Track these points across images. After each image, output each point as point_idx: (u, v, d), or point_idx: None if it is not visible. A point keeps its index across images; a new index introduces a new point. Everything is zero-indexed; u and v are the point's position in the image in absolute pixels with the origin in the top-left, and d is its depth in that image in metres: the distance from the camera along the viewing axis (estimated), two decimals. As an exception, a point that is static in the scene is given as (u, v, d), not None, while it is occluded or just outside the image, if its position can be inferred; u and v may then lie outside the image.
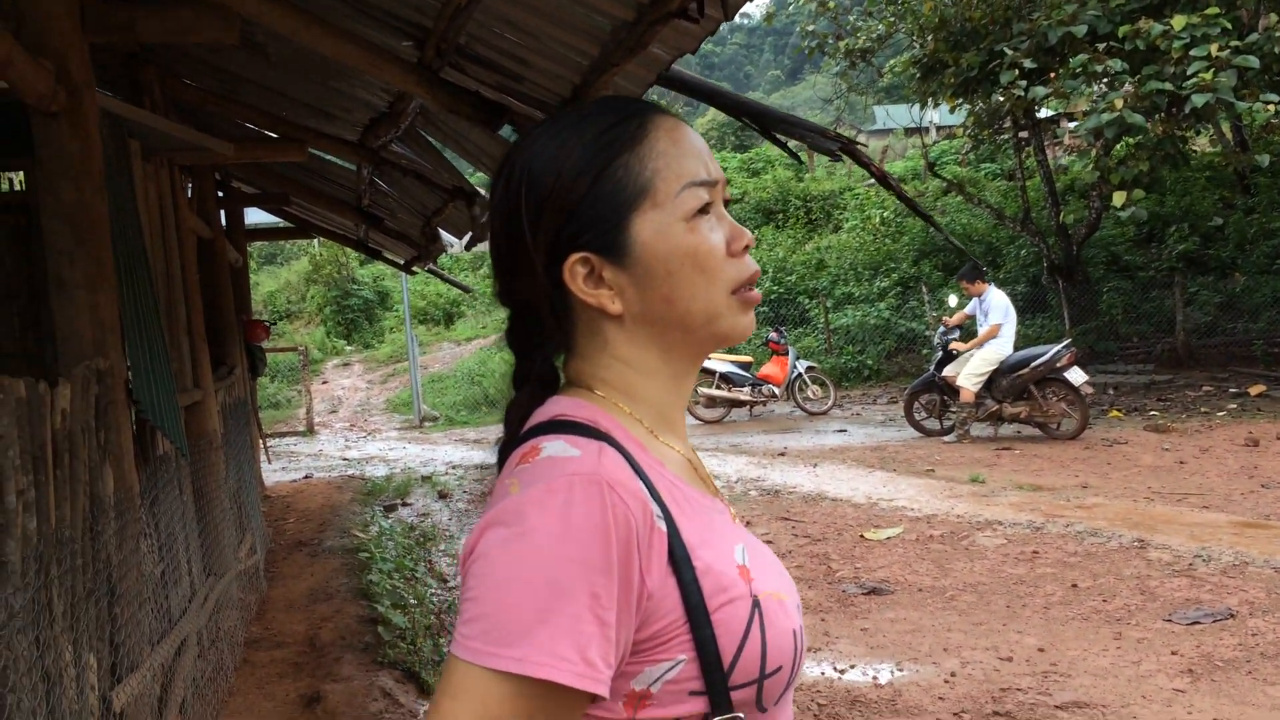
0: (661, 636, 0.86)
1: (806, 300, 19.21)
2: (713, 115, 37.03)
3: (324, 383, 21.98)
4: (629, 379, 0.98)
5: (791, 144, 3.94)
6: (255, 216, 11.30)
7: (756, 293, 0.99)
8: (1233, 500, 7.31)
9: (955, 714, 4.04)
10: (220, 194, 7.19)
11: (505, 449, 0.97)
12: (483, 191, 4.89)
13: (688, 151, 0.96)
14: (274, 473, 11.59)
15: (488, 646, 0.80)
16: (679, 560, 0.86)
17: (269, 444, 12.54)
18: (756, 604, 0.90)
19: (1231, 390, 12.78)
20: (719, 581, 0.89)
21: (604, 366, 0.98)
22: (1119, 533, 6.58)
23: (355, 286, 26.25)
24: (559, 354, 1.01)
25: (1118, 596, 5.38)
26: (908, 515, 7.61)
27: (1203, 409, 11.72)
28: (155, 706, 3.43)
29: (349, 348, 25.31)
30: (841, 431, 12.38)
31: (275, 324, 22.19)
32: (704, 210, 0.96)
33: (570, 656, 0.79)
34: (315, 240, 25.66)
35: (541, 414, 0.96)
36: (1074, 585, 5.63)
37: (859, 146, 3.83)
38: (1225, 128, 16.16)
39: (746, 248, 0.98)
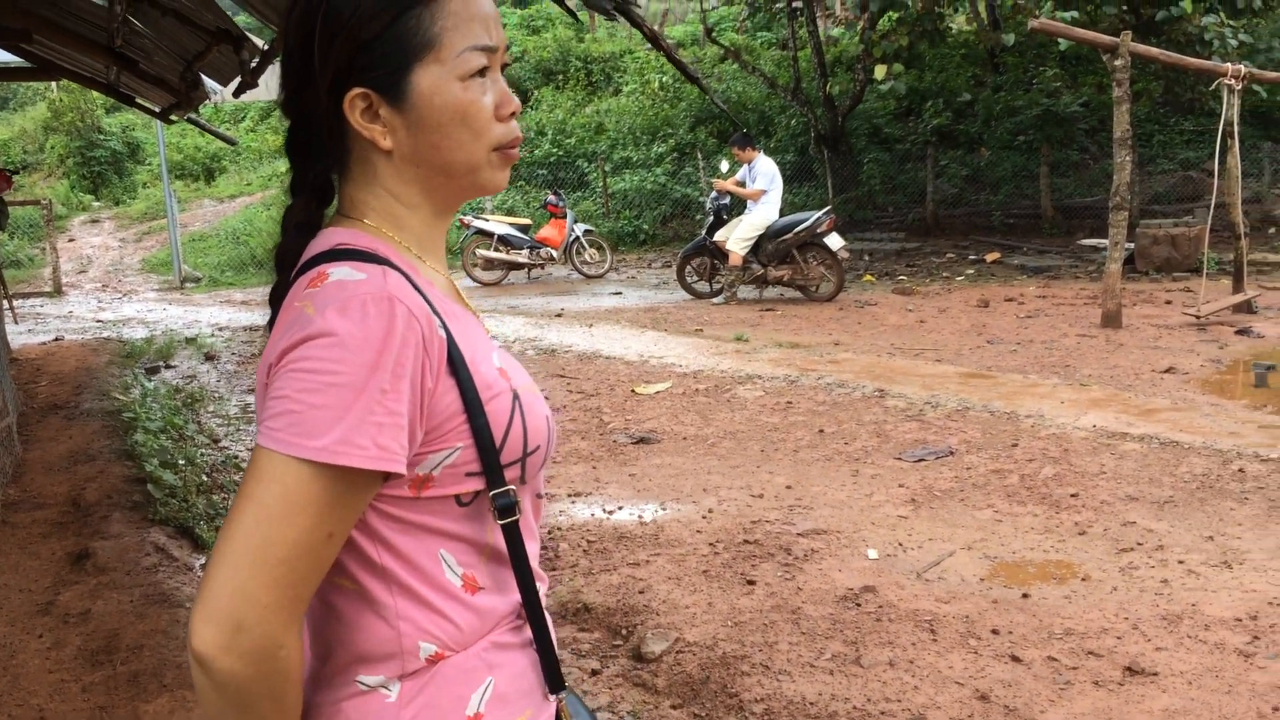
0: (442, 429, 1.01)
1: (585, 164, 19.28)
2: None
3: (70, 240, 20.42)
4: (395, 210, 1.09)
5: (570, 1, 3.99)
6: (-17, 54, 10.21)
7: (515, 153, 1.12)
8: (962, 354, 8.12)
9: (710, 544, 4.45)
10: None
11: (280, 253, 1.08)
12: (250, 36, 4.68)
13: (475, 15, 1.06)
14: (19, 335, 10.84)
15: (294, 438, 0.92)
16: (456, 362, 1.01)
17: (14, 304, 11.67)
18: (516, 396, 1.07)
19: (971, 257, 13.94)
20: (486, 380, 1.04)
21: (374, 195, 1.09)
22: (863, 384, 7.21)
23: (102, 137, 24.18)
24: (331, 170, 1.10)
25: (857, 440, 5.96)
26: (676, 371, 8.02)
27: (944, 274, 12.76)
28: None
29: (97, 203, 23.46)
30: (617, 294, 12.72)
31: (17, 173, 20.23)
32: (481, 73, 1.07)
33: (365, 444, 0.93)
34: (54, 84, 23.38)
35: (320, 244, 1.06)
36: (821, 431, 6.17)
37: (634, 8, 3.93)
38: (980, 7, 17.12)
39: (514, 114, 1.10)
